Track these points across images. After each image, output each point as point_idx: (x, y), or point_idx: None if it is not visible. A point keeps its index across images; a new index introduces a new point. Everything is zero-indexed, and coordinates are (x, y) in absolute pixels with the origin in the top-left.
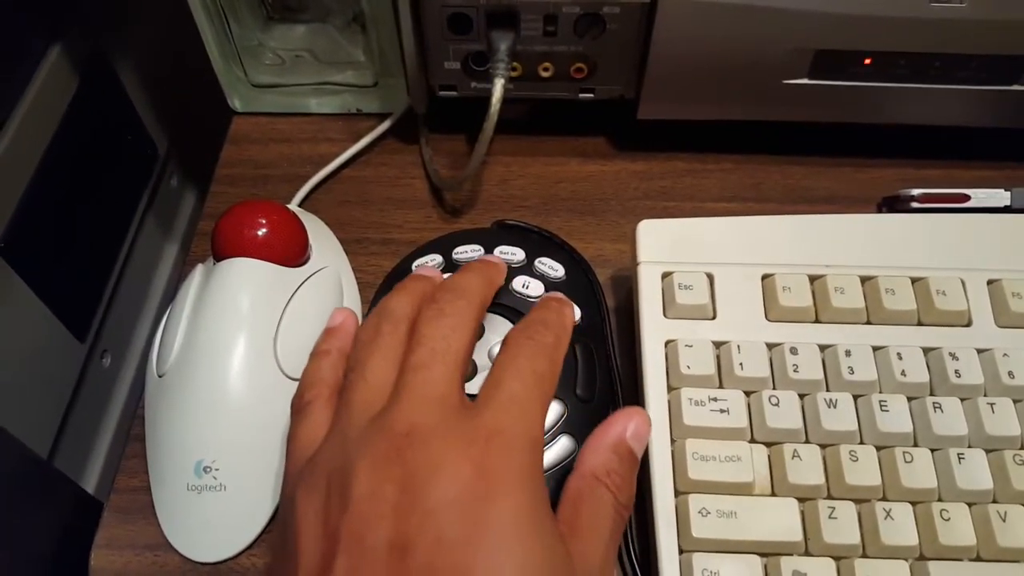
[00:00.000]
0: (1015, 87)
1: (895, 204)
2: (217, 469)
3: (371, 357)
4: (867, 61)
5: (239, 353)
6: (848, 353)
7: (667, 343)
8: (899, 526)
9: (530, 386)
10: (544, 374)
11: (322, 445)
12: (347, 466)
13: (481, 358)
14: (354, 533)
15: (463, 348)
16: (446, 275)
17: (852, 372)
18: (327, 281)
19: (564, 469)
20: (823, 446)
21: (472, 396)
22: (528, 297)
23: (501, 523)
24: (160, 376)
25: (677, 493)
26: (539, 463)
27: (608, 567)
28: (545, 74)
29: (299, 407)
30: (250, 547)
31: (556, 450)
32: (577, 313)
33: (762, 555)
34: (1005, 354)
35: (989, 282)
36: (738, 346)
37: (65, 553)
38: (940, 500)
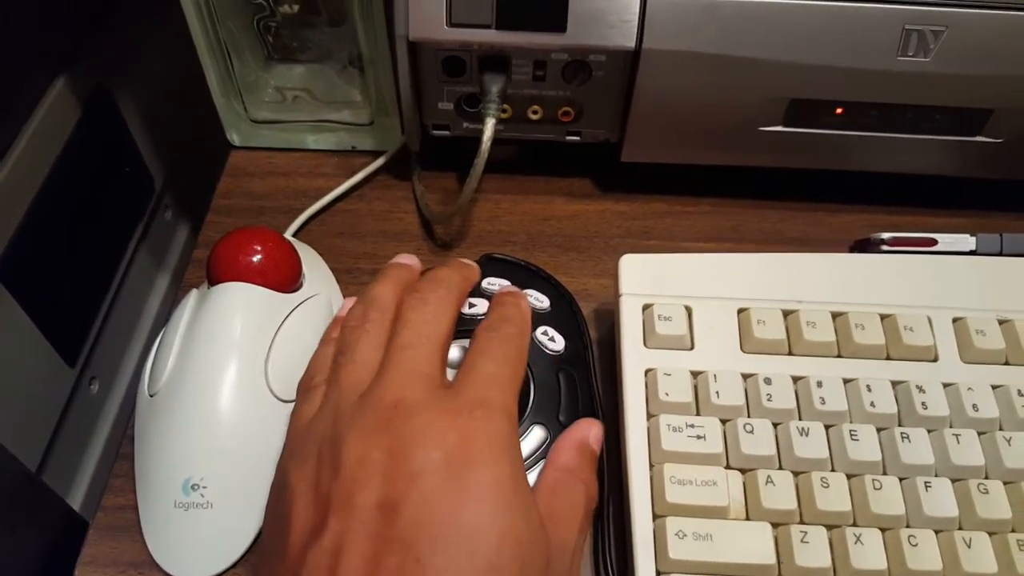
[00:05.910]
0: (978, 138)
1: (866, 247)
2: (205, 487)
3: (359, 341)
4: (839, 111)
5: (230, 374)
6: (820, 384)
7: (647, 371)
8: (869, 551)
9: (503, 366)
10: (513, 358)
11: (313, 419)
12: (338, 437)
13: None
14: (344, 496)
15: (444, 332)
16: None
17: (824, 402)
18: (318, 307)
19: None
20: (795, 473)
21: None
22: None
23: (485, 487)
24: (152, 395)
25: (655, 516)
26: (516, 435)
27: (578, 555)
28: (534, 117)
29: (304, 388)
30: (233, 566)
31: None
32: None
33: None
34: (970, 388)
35: (954, 320)
36: (715, 375)
37: (49, 571)
38: (908, 526)
